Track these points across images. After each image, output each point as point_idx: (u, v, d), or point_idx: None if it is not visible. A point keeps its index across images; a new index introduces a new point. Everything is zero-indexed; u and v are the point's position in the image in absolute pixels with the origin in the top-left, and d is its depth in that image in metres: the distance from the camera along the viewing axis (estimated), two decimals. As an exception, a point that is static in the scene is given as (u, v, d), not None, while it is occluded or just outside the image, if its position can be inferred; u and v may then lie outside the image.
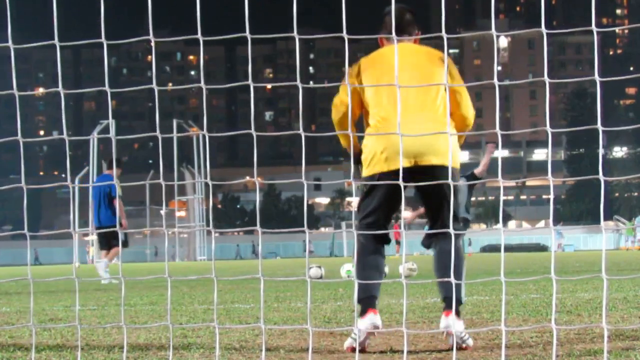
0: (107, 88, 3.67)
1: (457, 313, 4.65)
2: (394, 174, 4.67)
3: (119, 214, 15.50)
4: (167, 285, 3.72)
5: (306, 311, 7.18)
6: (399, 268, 13.99)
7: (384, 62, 4.93)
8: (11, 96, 4.02)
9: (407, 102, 4.78)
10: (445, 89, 4.80)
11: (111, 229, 15.16)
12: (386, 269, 13.69)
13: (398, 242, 39.93)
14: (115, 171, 15.03)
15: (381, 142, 4.81)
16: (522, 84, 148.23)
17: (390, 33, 5.01)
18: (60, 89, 3.70)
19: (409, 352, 4.45)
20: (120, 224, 15.59)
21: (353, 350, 4.52)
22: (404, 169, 4.67)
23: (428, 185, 4.74)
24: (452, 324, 4.55)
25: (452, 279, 4.25)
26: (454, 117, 4.93)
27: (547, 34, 3.46)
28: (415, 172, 4.74)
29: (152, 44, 3.39)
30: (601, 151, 3.27)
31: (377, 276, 4.84)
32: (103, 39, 3.50)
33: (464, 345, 4.56)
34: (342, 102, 4.94)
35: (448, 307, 4.67)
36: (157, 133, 3.58)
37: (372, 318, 4.61)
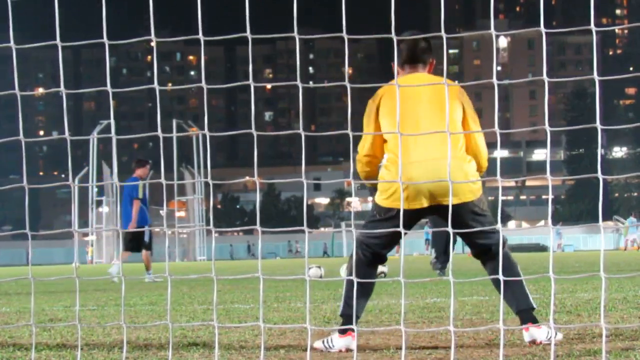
0: (108, 88, 3.67)
1: (534, 321, 4.69)
2: (413, 212, 4.75)
3: (133, 215, 15.69)
4: (168, 285, 3.72)
5: (305, 312, 7.18)
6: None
7: (402, 94, 4.78)
8: (11, 96, 4.02)
9: (425, 137, 4.76)
10: (462, 123, 4.85)
11: (138, 230, 15.44)
12: (385, 269, 13.73)
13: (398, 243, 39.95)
14: (140, 172, 15.29)
15: (402, 179, 4.75)
16: (522, 83, 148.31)
17: (406, 62, 5.02)
18: (62, 88, 3.70)
19: (409, 352, 4.45)
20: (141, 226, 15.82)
21: (315, 349, 4.66)
22: (425, 207, 4.77)
23: (452, 222, 4.73)
24: (535, 334, 4.63)
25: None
26: (470, 154, 4.92)
27: (546, 33, 3.46)
28: (436, 211, 4.80)
29: (154, 43, 3.39)
30: (600, 151, 3.27)
31: (365, 297, 4.89)
32: (105, 39, 3.50)
33: (555, 341, 4.63)
34: (367, 160, 4.97)
35: (525, 321, 4.71)
36: (159, 133, 3.58)
37: (349, 342, 4.66)
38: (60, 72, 3.69)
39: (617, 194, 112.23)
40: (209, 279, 16.65)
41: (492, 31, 3.50)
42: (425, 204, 4.75)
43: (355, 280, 4.28)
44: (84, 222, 59.25)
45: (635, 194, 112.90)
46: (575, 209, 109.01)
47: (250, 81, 3.76)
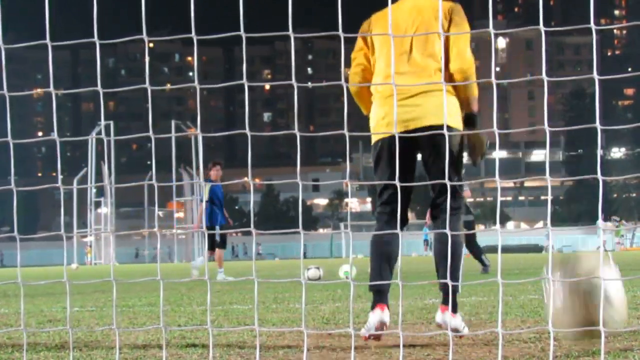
0: (99, 88, 3.67)
1: (454, 309, 4.77)
2: (401, 139, 4.67)
3: (197, 217, 16.26)
4: (160, 287, 3.71)
5: (305, 312, 7.18)
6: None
7: (393, 20, 4.93)
8: (5, 97, 4.01)
9: (408, 66, 4.83)
10: (442, 40, 4.88)
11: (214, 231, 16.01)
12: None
13: None
14: (212, 173, 15.74)
15: (383, 108, 4.87)
16: (520, 84, 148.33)
17: None
18: (51, 89, 3.69)
19: (408, 352, 4.45)
20: (220, 225, 16.33)
21: (367, 338, 4.69)
22: (402, 133, 4.72)
23: (426, 146, 4.79)
24: (447, 320, 4.70)
25: (449, 281, 4.25)
26: (451, 66, 4.90)
27: (545, 33, 3.46)
28: (417, 136, 4.75)
29: (146, 43, 3.39)
30: (599, 152, 3.27)
31: (388, 268, 4.86)
32: (95, 38, 3.50)
33: (460, 336, 4.65)
34: (355, 72, 5.03)
35: (445, 301, 4.79)
36: (150, 133, 3.57)
37: (380, 315, 4.72)
38: (49, 72, 3.67)
39: (615, 195, 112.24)
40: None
41: (491, 29, 3.50)
42: (401, 128, 4.77)
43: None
44: (82, 223, 59.22)
45: (634, 194, 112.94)
46: (574, 209, 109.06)
47: (245, 80, 3.75)
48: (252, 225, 3.19)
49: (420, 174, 5.01)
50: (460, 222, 4.97)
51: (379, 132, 4.91)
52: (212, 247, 16.69)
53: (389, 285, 4.86)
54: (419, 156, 4.97)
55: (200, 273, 16.63)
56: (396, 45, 4.87)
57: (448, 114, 4.75)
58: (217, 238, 16.28)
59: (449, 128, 4.71)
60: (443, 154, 4.64)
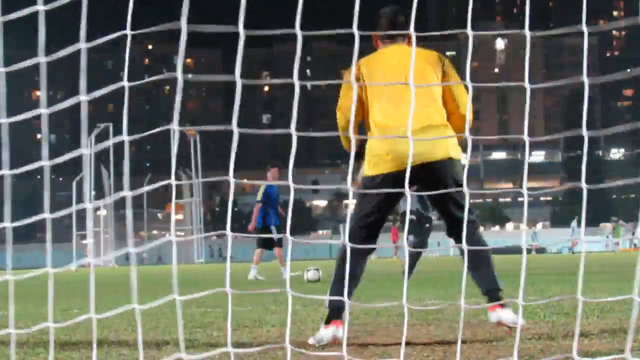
0: (83, 96, 3.68)
1: (502, 303, 4.85)
2: (399, 173, 4.78)
3: (253, 217, 16.76)
4: (134, 293, 3.71)
5: (304, 314, 7.18)
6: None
7: (383, 63, 5.03)
8: (7, 99, 4.02)
9: (407, 104, 4.84)
10: (443, 89, 4.96)
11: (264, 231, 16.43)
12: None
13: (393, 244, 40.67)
14: (270, 174, 16.12)
15: (385, 145, 4.88)
16: (520, 85, 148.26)
17: (386, 35, 5.15)
18: (42, 89, 3.70)
19: (408, 353, 4.45)
20: (276, 226, 16.81)
21: (311, 345, 4.79)
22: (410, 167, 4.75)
23: (433, 182, 4.84)
24: (502, 316, 4.82)
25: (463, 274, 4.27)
26: (453, 117, 5.01)
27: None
28: (421, 171, 4.83)
29: (129, 37, 3.39)
30: (585, 157, 3.27)
31: (351, 288, 4.92)
32: (82, 40, 3.50)
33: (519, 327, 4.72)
34: (346, 107, 5.05)
35: (492, 300, 4.89)
36: (124, 137, 3.58)
37: (335, 331, 4.82)
38: (42, 74, 3.68)
39: (614, 196, 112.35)
40: (207, 280, 16.67)
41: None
42: (416, 162, 4.82)
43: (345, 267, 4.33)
44: (81, 225, 59.20)
45: (633, 195, 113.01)
46: (573, 211, 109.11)
47: (238, 79, 3.76)
48: (227, 228, 3.18)
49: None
50: (479, 230, 5.10)
51: (380, 167, 4.93)
52: (264, 245, 17.11)
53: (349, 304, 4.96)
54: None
55: (257, 273, 16.83)
56: (391, 90, 4.95)
57: (451, 146, 4.93)
58: (274, 237, 16.55)
59: (452, 160, 4.90)
60: (450, 186, 4.83)
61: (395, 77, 4.97)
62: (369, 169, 4.97)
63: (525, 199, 3.30)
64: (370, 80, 5.03)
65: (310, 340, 4.85)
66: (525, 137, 3.32)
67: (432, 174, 4.85)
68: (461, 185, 4.87)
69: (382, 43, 5.21)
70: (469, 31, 3.25)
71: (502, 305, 4.87)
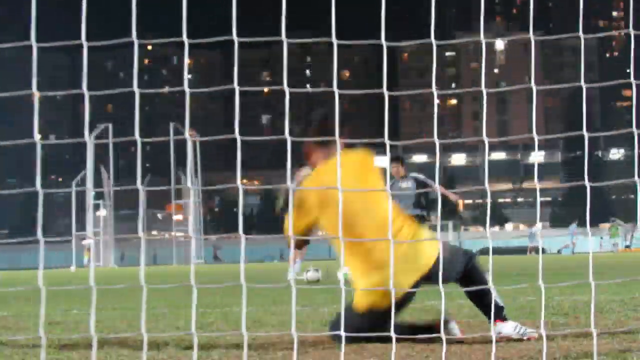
0: (85, 91, 3.68)
1: (503, 318, 4.90)
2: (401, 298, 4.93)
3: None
4: (142, 293, 3.71)
5: (304, 315, 7.19)
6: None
7: (325, 180, 4.92)
8: (6, 100, 4.02)
9: (378, 223, 4.86)
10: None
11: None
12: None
13: None
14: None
15: (374, 276, 4.89)
16: (517, 89, 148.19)
17: (321, 145, 5.12)
18: (34, 90, 3.70)
19: (407, 354, 4.45)
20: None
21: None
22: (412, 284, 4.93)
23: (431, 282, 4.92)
24: (502, 329, 4.87)
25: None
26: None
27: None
28: (420, 283, 4.96)
29: (136, 45, 3.40)
30: (586, 157, 3.28)
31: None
32: (83, 40, 3.50)
33: (525, 338, 4.84)
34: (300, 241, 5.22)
35: (495, 317, 4.92)
36: (136, 137, 3.58)
37: None
38: (34, 74, 3.68)
39: (614, 196, 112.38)
40: (207, 281, 16.66)
41: (484, 36, 3.50)
42: (411, 280, 4.89)
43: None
44: (80, 226, 59.22)
45: (632, 196, 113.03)
46: (573, 211, 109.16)
47: (235, 84, 3.76)
48: (240, 230, 3.19)
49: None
50: (479, 265, 5.08)
51: (380, 303, 4.86)
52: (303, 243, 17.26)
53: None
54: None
55: (296, 274, 16.80)
56: (348, 206, 4.76)
57: (429, 245, 4.91)
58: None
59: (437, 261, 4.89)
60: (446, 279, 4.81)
61: (348, 200, 4.85)
62: (364, 296, 4.97)
63: (537, 200, 3.30)
64: (326, 210, 4.95)
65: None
66: (534, 135, 3.32)
67: (432, 279, 4.89)
68: (451, 256, 4.94)
69: (315, 153, 5.20)
70: (482, 38, 3.25)
71: (504, 319, 4.92)
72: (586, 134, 3.20)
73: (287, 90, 3.69)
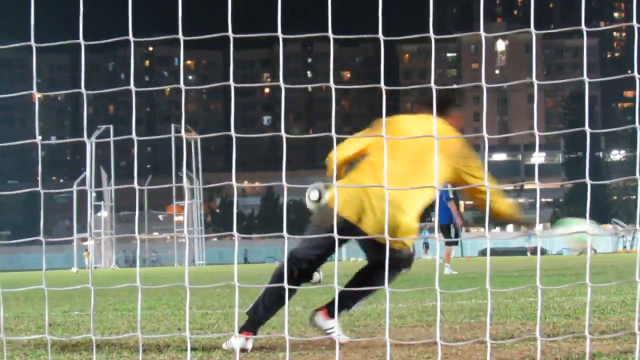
0: (83, 90, 3.68)
1: (332, 314, 5.01)
2: (354, 227, 4.82)
3: (454, 213, 17.08)
4: (138, 294, 3.71)
5: (304, 316, 7.18)
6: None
7: (400, 127, 5.01)
8: (6, 101, 4.02)
9: (398, 172, 4.83)
10: (462, 177, 5.08)
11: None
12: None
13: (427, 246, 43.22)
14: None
15: (356, 190, 4.85)
16: (520, 87, 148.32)
17: (423, 105, 5.16)
18: (34, 91, 3.70)
19: (407, 354, 4.45)
20: (454, 223, 17.11)
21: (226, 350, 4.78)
22: (354, 225, 4.86)
23: (372, 245, 4.94)
24: (321, 321, 5.04)
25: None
26: (476, 195, 5.15)
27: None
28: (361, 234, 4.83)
29: (132, 43, 3.39)
30: (588, 155, 3.28)
31: (277, 307, 4.99)
32: (81, 39, 3.50)
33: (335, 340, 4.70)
34: (346, 154, 5.11)
35: (328, 307, 5.09)
36: (133, 136, 3.58)
37: (244, 343, 4.81)
38: (33, 74, 3.68)
39: (615, 197, 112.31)
40: (206, 282, 16.67)
41: (483, 33, 3.50)
42: (354, 219, 4.83)
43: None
44: (81, 227, 59.24)
45: (634, 197, 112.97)
46: (574, 212, 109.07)
47: (231, 82, 3.76)
48: (234, 229, 3.19)
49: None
50: (395, 276, 5.11)
51: (346, 212, 4.85)
52: (452, 243, 17.61)
53: (268, 319, 5.04)
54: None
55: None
56: (401, 151, 4.88)
57: (405, 233, 4.86)
58: (452, 235, 16.98)
59: (397, 250, 4.90)
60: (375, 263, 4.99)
61: (405, 148, 4.91)
62: (340, 205, 4.82)
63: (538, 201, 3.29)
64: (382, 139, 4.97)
65: (224, 346, 4.84)
66: (535, 132, 3.32)
67: (377, 246, 4.79)
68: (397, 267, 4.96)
69: (420, 109, 5.22)
70: (482, 33, 3.25)
71: (331, 316, 5.01)
72: (588, 130, 3.20)
73: (282, 86, 3.69)
